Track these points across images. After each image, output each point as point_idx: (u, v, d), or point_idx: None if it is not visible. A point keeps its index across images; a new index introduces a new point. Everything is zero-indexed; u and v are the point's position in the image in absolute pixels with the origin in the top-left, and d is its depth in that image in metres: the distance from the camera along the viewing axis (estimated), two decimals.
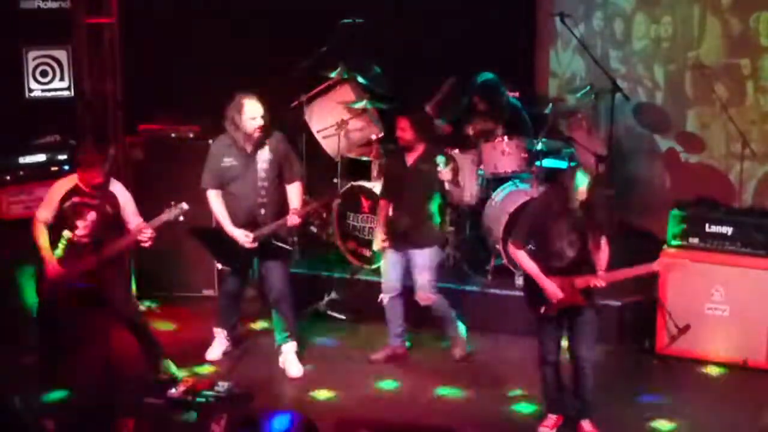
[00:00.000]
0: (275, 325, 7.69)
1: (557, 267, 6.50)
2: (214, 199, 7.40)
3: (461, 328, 7.80)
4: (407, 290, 7.67)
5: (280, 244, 7.37)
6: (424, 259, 7.52)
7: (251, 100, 7.23)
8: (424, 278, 7.53)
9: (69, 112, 8.72)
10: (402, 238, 7.54)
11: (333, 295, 8.33)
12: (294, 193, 7.45)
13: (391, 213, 7.61)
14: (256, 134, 7.25)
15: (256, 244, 7.29)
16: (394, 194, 7.63)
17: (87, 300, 7.32)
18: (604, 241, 6.54)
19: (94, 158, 7.13)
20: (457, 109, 9.18)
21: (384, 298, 7.69)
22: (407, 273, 7.64)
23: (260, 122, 7.22)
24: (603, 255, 6.54)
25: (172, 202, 7.08)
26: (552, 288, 6.47)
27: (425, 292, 7.55)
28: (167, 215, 7.07)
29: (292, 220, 7.33)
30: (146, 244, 7.09)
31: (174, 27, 9.36)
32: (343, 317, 8.18)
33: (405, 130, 7.48)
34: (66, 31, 8.69)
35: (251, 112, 7.21)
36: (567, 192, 6.41)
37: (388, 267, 7.67)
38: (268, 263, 7.50)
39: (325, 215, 9.09)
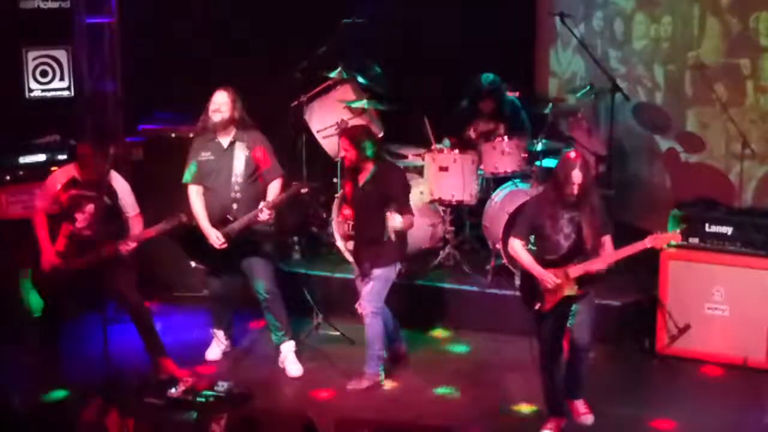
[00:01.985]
0: (269, 325, 7.70)
1: (551, 259, 6.49)
2: (194, 196, 7.48)
3: (374, 367, 7.39)
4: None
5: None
6: (374, 274, 7.26)
7: (219, 91, 7.35)
8: (366, 289, 7.30)
9: (69, 112, 8.72)
10: (360, 260, 7.38)
11: (320, 318, 8.29)
12: (272, 190, 7.47)
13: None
14: (218, 126, 7.32)
15: (227, 245, 7.32)
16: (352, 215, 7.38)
17: (88, 293, 7.37)
18: (608, 240, 6.50)
19: (92, 155, 7.18)
20: (456, 118, 9.18)
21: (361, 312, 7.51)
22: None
23: (222, 113, 7.31)
24: (607, 252, 6.50)
25: (181, 215, 7.20)
26: (546, 275, 6.44)
27: (362, 302, 7.32)
28: (164, 226, 7.18)
29: (262, 214, 7.29)
30: (126, 253, 7.28)
31: (174, 27, 9.36)
32: (338, 332, 8.15)
33: (348, 150, 7.18)
34: (66, 31, 8.70)
35: (215, 102, 7.34)
36: (563, 180, 6.36)
37: (360, 286, 7.47)
38: (251, 259, 7.52)
39: (325, 215, 9.11)
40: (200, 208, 7.44)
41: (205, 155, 7.46)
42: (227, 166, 7.41)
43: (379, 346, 7.37)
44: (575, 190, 6.36)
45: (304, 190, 7.50)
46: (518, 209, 8.13)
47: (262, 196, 7.43)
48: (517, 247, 6.60)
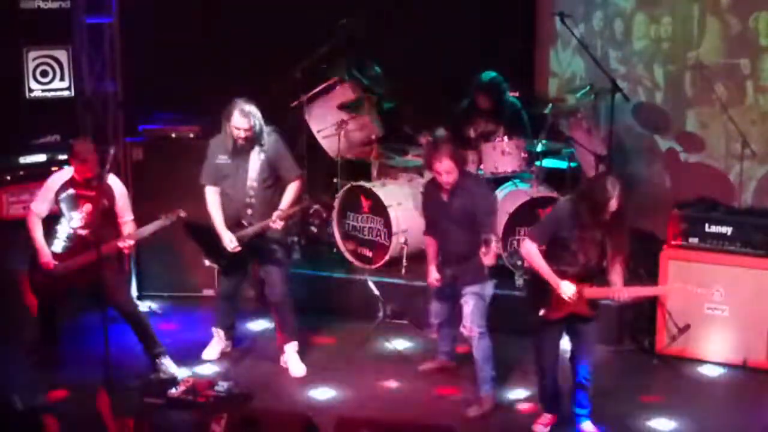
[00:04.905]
0: (276, 325, 7.72)
1: (568, 272, 6.37)
2: (211, 196, 7.46)
3: (490, 389, 7.07)
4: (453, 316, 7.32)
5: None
6: (472, 292, 6.98)
7: (239, 112, 7.23)
8: (467, 310, 7.02)
9: (69, 112, 8.72)
10: (448, 276, 7.14)
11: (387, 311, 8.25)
12: (288, 193, 7.45)
13: (437, 252, 7.15)
14: (240, 142, 7.31)
15: (239, 248, 7.31)
16: (437, 231, 7.12)
17: (84, 294, 7.36)
18: (620, 262, 6.43)
19: (86, 151, 7.18)
20: (456, 117, 9.17)
21: (433, 322, 7.48)
22: (455, 300, 7.17)
23: (243, 134, 7.26)
24: (618, 272, 6.44)
25: (180, 211, 7.22)
26: (564, 285, 6.30)
27: (467, 323, 7.03)
28: (162, 222, 7.19)
29: (275, 223, 7.28)
30: (125, 251, 7.36)
31: (174, 27, 9.36)
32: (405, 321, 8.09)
33: (450, 173, 6.78)
34: (66, 31, 8.69)
35: (236, 123, 7.26)
36: (599, 205, 6.22)
37: (437, 296, 7.34)
38: (267, 265, 7.54)
39: (325, 215, 9.11)
40: (216, 209, 7.41)
41: (222, 158, 7.41)
42: (243, 170, 7.36)
43: (491, 366, 7.05)
44: (608, 216, 6.25)
45: (313, 207, 7.50)
46: (519, 209, 8.19)
47: (277, 200, 7.40)
48: (532, 250, 6.40)
